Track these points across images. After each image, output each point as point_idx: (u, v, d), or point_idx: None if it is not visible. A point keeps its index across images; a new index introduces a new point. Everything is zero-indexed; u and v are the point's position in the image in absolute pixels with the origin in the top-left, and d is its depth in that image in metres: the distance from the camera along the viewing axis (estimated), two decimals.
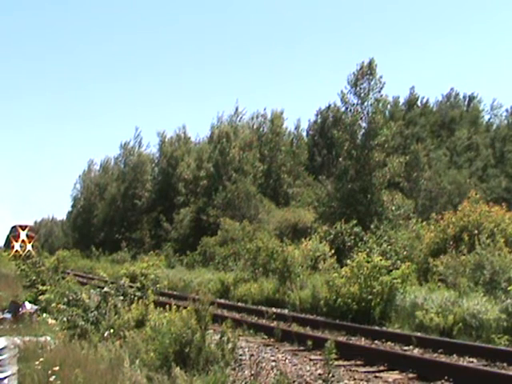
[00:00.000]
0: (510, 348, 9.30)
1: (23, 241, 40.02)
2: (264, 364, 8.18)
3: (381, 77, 29.33)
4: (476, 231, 16.47)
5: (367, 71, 29.32)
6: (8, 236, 49.71)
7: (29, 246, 39.30)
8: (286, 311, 15.28)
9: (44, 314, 11.28)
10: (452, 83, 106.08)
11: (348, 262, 15.17)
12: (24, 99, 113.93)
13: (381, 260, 14.23)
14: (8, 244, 44.54)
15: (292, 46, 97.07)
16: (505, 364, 8.50)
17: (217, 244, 31.01)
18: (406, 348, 10.04)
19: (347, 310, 13.62)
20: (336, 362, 7.33)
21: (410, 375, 8.05)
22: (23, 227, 41.18)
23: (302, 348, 10.10)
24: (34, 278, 14.00)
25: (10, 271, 22.32)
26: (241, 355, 8.73)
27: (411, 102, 49.34)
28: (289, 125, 49.82)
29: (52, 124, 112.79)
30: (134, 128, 72.87)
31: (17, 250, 39.85)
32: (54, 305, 10.82)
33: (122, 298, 9.82)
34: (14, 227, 42.56)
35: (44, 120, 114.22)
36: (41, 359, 6.44)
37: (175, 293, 21.46)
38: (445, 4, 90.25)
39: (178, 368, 6.54)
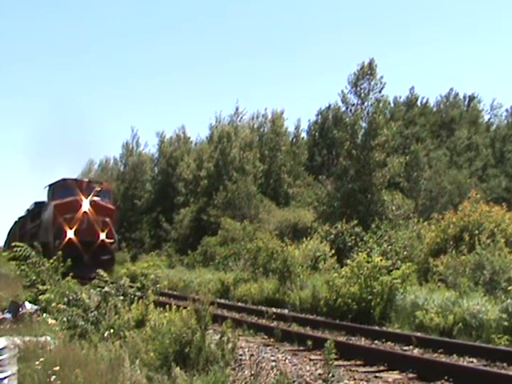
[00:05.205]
0: (510, 348, 9.30)
1: (85, 215, 19.65)
2: (264, 364, 8.17)
3: (381, 77, 29.52)
4: (476, 231, 16.49)
5: (367, 71, 29.44)
6: (32, 210, 26.18)
7: (102, 235, 20.69)
8: (286, 311, 15.28)
9: (44, 314, 11.25)
10: (452, 83, 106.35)
11: (348, 261, 15.17)
12: (23, 99, 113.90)
13: (381, 260, 14.23)
14: (9, 241, 24.57)
15: (292, 46, 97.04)
16: (505, 364, 8.50)
17: (217, 244, 31.00)
18: (405, 348, 10.03)
19: (347, 309, 13.62)
20: (336, 362, 7.33)
21: (410, 375, 8.03)
22: (86, 185, 20.41)
23: (302, 348, 10.09)
24: (33, 277, 13.95)
25: (9, 271, 22.28)
26: (241, 355, 8.72)
27: (411, 101, 49.39)
28: (289, 125, 49.70)
29: (52, 124, 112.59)
30: (130, 128, 72.18)
31: (70, 239, 19.06)
32: (54, 305, 10.81)
33: (122, 297, 9.80)
34: (59, 183, 20.97)
35: (44, 119, 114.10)
36: (41, 359, 6.43)
37: (175, 293, 21.44)
38: (445, 4, 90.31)
39: (178, 368, 6.54)
